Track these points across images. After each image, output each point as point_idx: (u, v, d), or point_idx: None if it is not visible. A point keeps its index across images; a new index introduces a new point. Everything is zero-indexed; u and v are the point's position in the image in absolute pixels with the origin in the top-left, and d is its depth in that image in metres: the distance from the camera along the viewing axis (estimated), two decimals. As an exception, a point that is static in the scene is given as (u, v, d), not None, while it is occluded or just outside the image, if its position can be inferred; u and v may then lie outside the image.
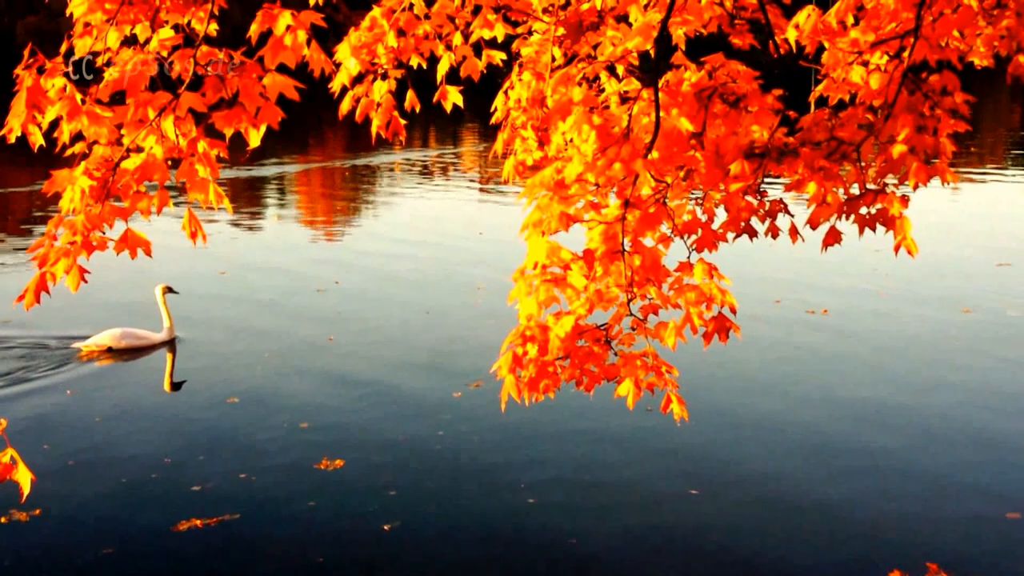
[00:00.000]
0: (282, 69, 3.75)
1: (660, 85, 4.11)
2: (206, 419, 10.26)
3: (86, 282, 3.76)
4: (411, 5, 5.11)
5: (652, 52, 4.08)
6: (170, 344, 12.83)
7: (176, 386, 11.40)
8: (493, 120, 5.40)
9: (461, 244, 18.92)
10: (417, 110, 5.40)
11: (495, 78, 5.49)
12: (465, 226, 20.68)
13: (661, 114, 4.16)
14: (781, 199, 4.49)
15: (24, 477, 2.62)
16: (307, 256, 18.25)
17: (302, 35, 3.57)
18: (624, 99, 4.54)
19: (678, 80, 4.22)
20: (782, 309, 13.94)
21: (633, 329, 4.65)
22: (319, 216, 23.69)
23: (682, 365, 4.80)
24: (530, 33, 5.16)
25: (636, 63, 4.38)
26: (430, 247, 18.58)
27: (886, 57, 4.06)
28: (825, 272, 16.05)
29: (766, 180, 4.44)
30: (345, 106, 5.25)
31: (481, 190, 26.77)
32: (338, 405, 10.61)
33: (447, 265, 17.15)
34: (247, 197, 25.10)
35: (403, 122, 5.35)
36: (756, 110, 4.21)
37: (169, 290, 13.09)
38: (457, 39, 5.18)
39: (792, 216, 4.47)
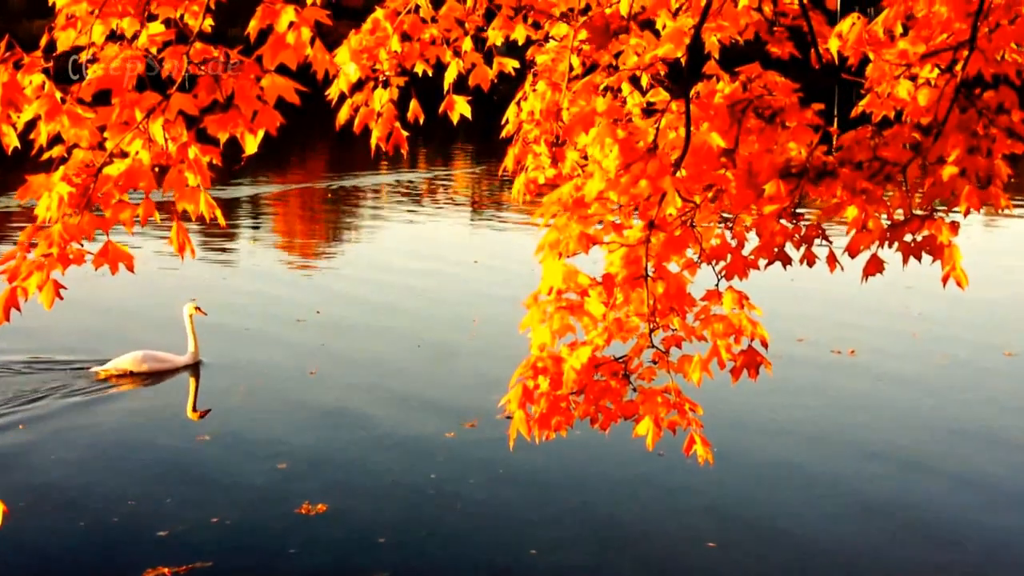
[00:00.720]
0: (280, 71, 3.75)
1: (691, 97, 4.11)
2: (174, 458, 10.19)
3: (61, 298, 3.74)
4: (417, 7, 5.12)
5: (683, 60, 4.08)
6: (194, 368, 13.07)
7: (202, 413, 11.59)
8: (504, 133, 5.41)
9: (454, 272, 18.91)
10: (421, 121, 5.40)
11: (491, 94, 5.48)
12: (458, 253, 20.68)
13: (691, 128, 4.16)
14: (818, 223, 4.47)
15: (-4, 508, 2.57)
16: (285, 283, 18.23)
17: (306, 32, 3.57)
18: (649, 111, 4.54)
19: (710, 92, 4.22)
20: (806, 348, 13.92)
21: (654, 362, 4.63)
22: (298, 240, 23.68)
23: (702, 404, 4.75)
24: (546, 39, 5.18)
25: (664, 72, 4.38)
26: (420, 275, 18.57)
27: (936, 71, 4.07)
28: (852, 309, 16.05)
29: (798, 204, 4.44)
30: (343, 115, 5.25)
31: (476, 215, 26.81)
32: (320, 445, 10.56)
33: (439, 295, 17.14)
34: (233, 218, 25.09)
35: (405, 134, 5.36)
36: (794, 126, 4.22)
37: (197, 310, 13.31)
38: (467, 44, 5.19)
39: (830, 242, 4.46)
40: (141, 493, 9.28)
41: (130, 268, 3.81)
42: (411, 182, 32.97)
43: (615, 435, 5.37)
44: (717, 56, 4.43)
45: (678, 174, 4.24)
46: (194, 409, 11.84)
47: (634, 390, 4.63)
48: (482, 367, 13.08)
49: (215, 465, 9.99)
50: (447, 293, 17.31)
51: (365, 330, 14.92)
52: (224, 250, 21.29)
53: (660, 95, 4.43)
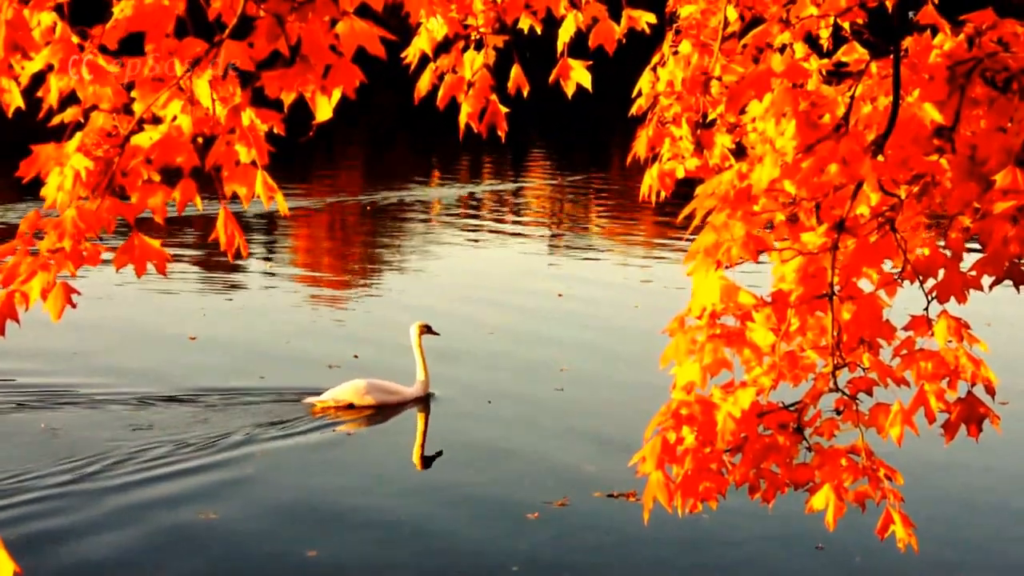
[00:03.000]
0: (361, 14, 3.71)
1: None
2: (172, 540, 10.20)
3: (73, 306, 3.71)
4: (522, -58, 5.09)
5: (890, 4, 4.00)
6: (423, 401, 14.03)
7: (427, 461, 12.43)
8: (634, 110, 5.36)
9: (532, 308, 18.86)
10: (525, 93, 5.34)
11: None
12: (537, 284, 20.67)
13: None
14: (1065, 228, 4.33)
15: (6, 569, 2.54)
16: (310, 320, 18.29)
17: (400, -39, 3.53)
18: (838, 74, 4.46)
19: (924, 48, 4.14)
20: (1016, 410, 13.55)
21: (837, 412, 4.54)
22: (326, 267, 23.80)
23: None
24: (694, -16, 5.12)
25: (863, 22, 4.31)
26: (488, 312, 18.55)
27: None
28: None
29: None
30: (423, 84, 5.23)
31: (556, 237, 26.80)
32: (363, 527, 10.54)
33: (513, 337, 17.10)
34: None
35: (504, 110, 5.31)
36: (1038, 95, 4.10)
37: (427, 330, 14.30)
38: (588, -8, 5.14)
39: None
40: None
41: (162, 270, 3.77)
42: (473, 197, 33.07)
43: (779, 509, 5.24)
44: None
45: (878, 158, 4.14)
46: (422, 454, 12.65)
47: (809, 449, 4.54)
48: (573, 429, 12.99)
49: (222, 552, 9.99)
50: (524, 334, 17.27)
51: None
52: (227, 274, 21.44)
53: (855, 53, 4.34)
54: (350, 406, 13.59)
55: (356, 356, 15.88)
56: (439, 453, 12.49)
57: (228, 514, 10.74)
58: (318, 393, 13.82)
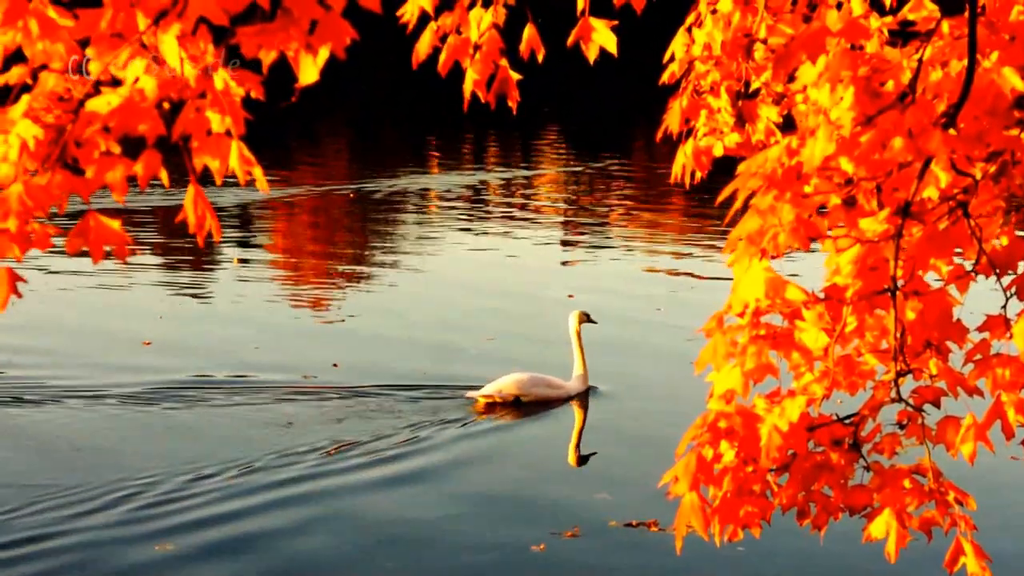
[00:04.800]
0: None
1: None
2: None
3: (19, 295, 3.67)
4: None
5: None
6: (583, 396, 15.05)
7: (583, 459, 13.19)
8: (665, 77, 5.34)
9: (539, 311, 18.92)
10: (540, 58, 5.31)
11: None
12: (545, 286, 20.79)
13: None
14: None
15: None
16: (286, 321, 18.34)
17: None
18: (903, 35, 4.43)
19: (1004, 4, 4.12)
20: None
21: (900, 426, 4.54)
22: (305, 264, 23.80)
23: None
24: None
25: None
26: (489, 315, 18.64)
27: None
28: None
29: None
30: (423, 47, 5.20)
31: (569, 234, 26.82)
32: (342, 556, 10.58)
33: (517, 345, 17.16)
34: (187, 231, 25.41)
35: (516, 77, 5.28)
36: None
37: (587, 319, 15.39)
38: (613, -60, 5.12)
39: None
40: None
41: (121, 255, 3.74)
42: (475, 188, 33.09)
43: (834, 538, 5.22)
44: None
45: (950, 132, 4.13)
46: (577, 454, 13.39)
47: (867, 468, 4.56)
48: (588, 450, 13.08)
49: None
50: (528, 342, 17.40)
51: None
52: (191, 270, 21.44)
53: (923, 9, 4.32)
54: (516, 399, 14.61)
55: (336, 365, 15.94)
56: (591, 456, 13.07)
57: (182, 545, 10.79)
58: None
